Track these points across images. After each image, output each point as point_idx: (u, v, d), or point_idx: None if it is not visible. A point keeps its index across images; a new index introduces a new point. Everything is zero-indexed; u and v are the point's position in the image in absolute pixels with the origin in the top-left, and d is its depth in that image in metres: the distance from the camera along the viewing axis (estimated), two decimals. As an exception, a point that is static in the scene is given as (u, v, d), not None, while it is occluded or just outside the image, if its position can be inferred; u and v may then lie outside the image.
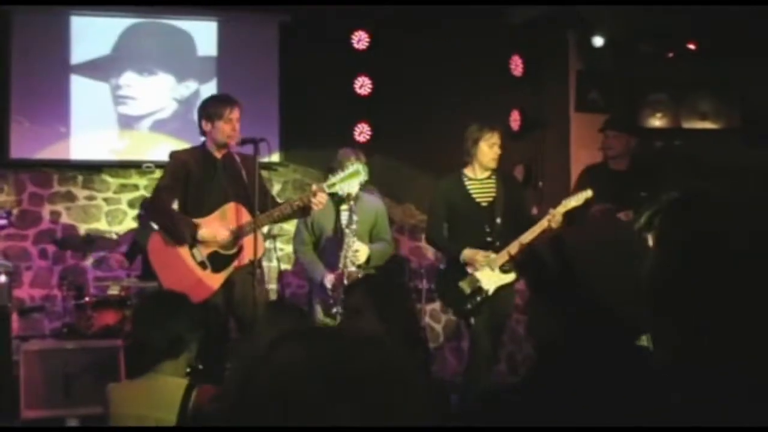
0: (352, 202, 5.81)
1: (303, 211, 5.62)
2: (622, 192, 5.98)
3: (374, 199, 6.45)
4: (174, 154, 5.85)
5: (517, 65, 7.87)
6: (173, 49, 8.80)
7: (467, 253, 6.06)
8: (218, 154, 5.71)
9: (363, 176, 5.58)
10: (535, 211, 7.32)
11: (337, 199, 5.97)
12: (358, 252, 5.91)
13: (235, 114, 5.61)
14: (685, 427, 1.46)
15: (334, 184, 5.55)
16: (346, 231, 5.86)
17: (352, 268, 5.84)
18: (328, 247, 6.06)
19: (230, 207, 5.61)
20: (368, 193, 6.38)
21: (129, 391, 3.52)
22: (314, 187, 5.58)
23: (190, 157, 5.75)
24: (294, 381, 1.19)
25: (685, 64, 7.10)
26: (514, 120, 7.92)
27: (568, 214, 6.04)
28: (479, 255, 6.04)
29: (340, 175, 5.56)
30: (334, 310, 5.80)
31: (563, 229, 6.24)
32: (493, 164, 6.16)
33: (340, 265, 5.86)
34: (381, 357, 1.24)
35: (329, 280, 5.91)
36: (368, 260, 6.00)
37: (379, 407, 1.19)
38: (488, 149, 6.11)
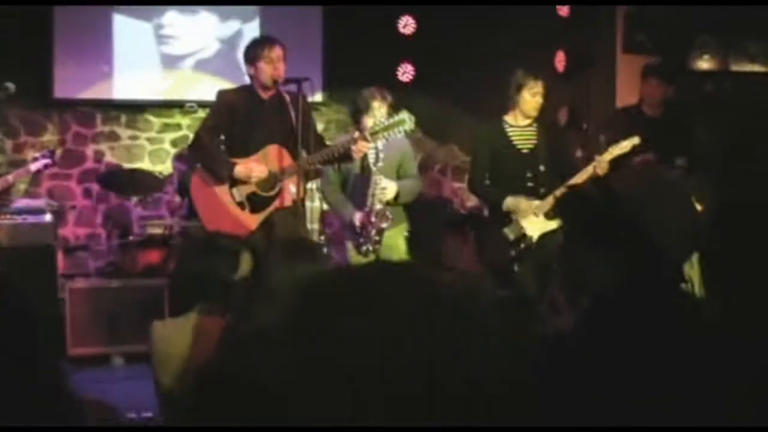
0: (379, 141, 5.65)
1: (344, 157, 5.61)
2: (657, 138, 6.01)
3: (400, 136, 6.25)
4: (221, 94, 5.90)
5: (563, 5, 7.86)
6: (216, -13, 8.76)
7: (510, 201, 6.03)
8: (265, 95, 5.71)
9: (409, 124, 5.43)
10: (579, 153, 7.30)
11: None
12: (385, 189, 5.87)
13: (276, 53, 5.59)
14: (685, 427, 1.44)
15: (377, 132, 5.46)
16: (373, 169, 5.79)
17: (380, 206, 5.82)
18: (357, 186, 6.02)
19: (272, 148, 5.64)
20: None
21: (172, 330, 3.52)
22: (356, 134, 5.54)
23: (236, 97, 5.78)
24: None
25: (735, 7, 7.00)
26: (560, 60, 7.92)
27: (613, 161, 6.00)
28: (522, 203, 6.01)
29: (384, 122, 5.48)
30: (365, 248, 5.82)
31: (608, 175, 6.30)
32: (534, 113, 6.12)
33: (368, 203, 5.84)
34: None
35: (357, 218, 5.88)
36: (397, 197, 5.97)
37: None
38: (530, 98, 6.06)
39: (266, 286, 3.01)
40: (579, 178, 5.88)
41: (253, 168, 5.57)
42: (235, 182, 5.62)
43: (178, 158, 8.19)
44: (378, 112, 5.80)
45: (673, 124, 6.33)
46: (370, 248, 5.80)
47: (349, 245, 6.02)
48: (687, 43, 7.40)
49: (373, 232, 5.81)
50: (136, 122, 8.71)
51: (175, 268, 6.52)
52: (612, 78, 7.63)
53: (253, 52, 5.67)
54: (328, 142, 6.01)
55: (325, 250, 6.36)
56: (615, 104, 7.60)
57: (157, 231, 7.61)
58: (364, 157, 5.79)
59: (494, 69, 6.61)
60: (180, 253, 6.63)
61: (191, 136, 7.03)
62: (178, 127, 8.77)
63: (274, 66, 5.57)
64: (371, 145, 5.51)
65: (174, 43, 8.66)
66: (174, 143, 8.73)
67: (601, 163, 5.84)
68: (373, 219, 5.79)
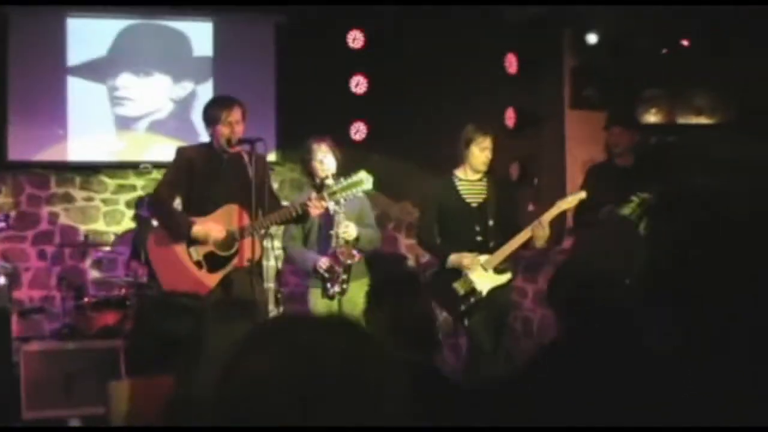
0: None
1: (301, 217, 5.59)
2: (632, 187, 5.99)
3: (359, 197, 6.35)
4: (180, 150, 5.82)
5: (512, 63, 7.74)
6: (169, 49, 8.77)
7: (453, 258, 6.01)
8: (225, 154, 5.65)
9: (367, 185, 5.48)
10: (531, 207, 7.35)
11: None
12: (348, 227, 5.92)
13: (234, 116, 5.53)
14: (685, 427, 1.49)
15: (335, 193, 5.47)
16: (336, 209, 5.80)
17: (343, 246, 5.87)
18: (320, 233, 6.07)
19: (231, 208, 5.55)
20: None
21: (129, 391, 3.41)
22: (313, 196, 5.52)
23: (196, 154, 5.70)
24: (264, 391, 1.20)
25: (680, 60, 7.02)
26: (510, 117, 7.83)
27: (578, 218, 6.17)
28: (465, 258, 5.98)
29: (342, 182, 5.48)
30: (332, 290, 5.87)
31: (575, 233, 6.54)
32: (483, 167, 6.12)
33: (333, 244, 5.90)
34: (353, 339, 1.24)
35: (323, 262, 5.93)
36: (357, 240, 6.00)
37: (359, 394, 1.19)
38: (479, 153, 6.07)
39: (208, 345, 3.18)
40: (521, 239, 5.90)
41: (211, 228, 5.49)
42: (192, 241, 5.53)
43: (140, 205, 8.18)
44: (325, 158, 5.93)
45: (646, 171, 6.27)
46: (338, 289, 5.84)
47: (312, 294, 6.04)
48: (635, 96, 7.27)
49: (341, 270, 5.85)
50: (91, 183, 8.63)
51: (132, 329, 5.91)
52: (561, 133, 7.54)
53: (212, 114, 5.60)
54: (284, 202, 5.99)
55: (275, 309, 6.51)
56: (564, 158, 7.52)
57: (113, 292, 7.48)
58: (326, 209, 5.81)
59: (446, 126, 6.62)
60: (137, 313, 6.23)
61: (145, 195, 7.05)
62: (133, 188, 8.68)
63: (232, 129, 5.51)
64: (326, 204, 5.50)
65: (128, 104, 8.63)
66: (129, 204, 8.63)
67: (542, 223, 5.86)
68: (339, 257, 5.84)
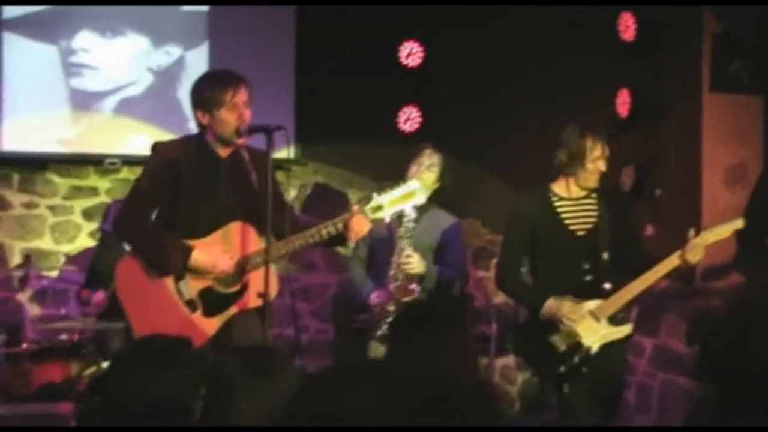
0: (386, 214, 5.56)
1: (336, 240, 5.38)
2: None
3: (446, 215, 6.47)
4: (159, 148, 5.47)
5: (627, 26, 7.44)
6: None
7: (551, 306, 5.70)
8: (222, 152, 5.34)
9: (419, 197, 5.36)
10: (650, 231, 7.35)
11: None
12: (411, 258, 6.00)
13: (241, 96, 5.27)
14: (688, 427, 2.06)
15: (380, 207, 5.30)
16: (400, 231, 5.98)
17: (401, 280, 5.98)
18: (377, 254, 6.27)
19: (235, 228, 5.31)
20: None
21: None
22: (354, 208, 5.39)
23: (182, 154, 5.38)
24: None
25: None
26: (623, 103, 7.54)
27: (744, 246, 6.17)
28: (565, 307, 5.67)
29: (390, 194, 5.34)
30: (379, 331, 5.97)
31: (740, 267, 6.62)
32: (594, 184, 5.83)
33: (390, 273, 6.00)
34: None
35: (373, 297, 6.11)
36: (423, 277, 6.08)
37: None
38: (590, 165, 5.79)
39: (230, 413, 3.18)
40: (656, 274, 5.61)
41: (219, 257, 5.25)
42: (183, 273, 5.27)
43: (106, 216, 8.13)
44: (431, 167, 6.19)
45: None
46: (387, 332, 5.83)
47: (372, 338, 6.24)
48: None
49: (392, 309, 5.93)
50: (34, 184, 8.45)
51: (88, 388, 6.38)
52: (696, 126, 7.19)
53: (210, 95, 5.28)
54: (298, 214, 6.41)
55: (297, 360, 6.74)
56: (700, 162, 7.22)
57: (61, 336, 7.20)
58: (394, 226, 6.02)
59: (532, 116, 6.65)
60: (113, 368, 6.80)
61: (113, 203, 7.25)
62: (94, 191, 8.51)
63: (239, 113, 5.25)
64: (368, 223, 5.38)
65: (88, 74, 8.42)
66: (87, 214, 8.47)
67: (693, 249, 5.51)
68: (393, 293, 5.99)
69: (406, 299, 5.96)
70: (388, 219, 5.51)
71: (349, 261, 6.59)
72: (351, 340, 6.61)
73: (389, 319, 5.93)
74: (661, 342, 7.45)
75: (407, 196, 5.37)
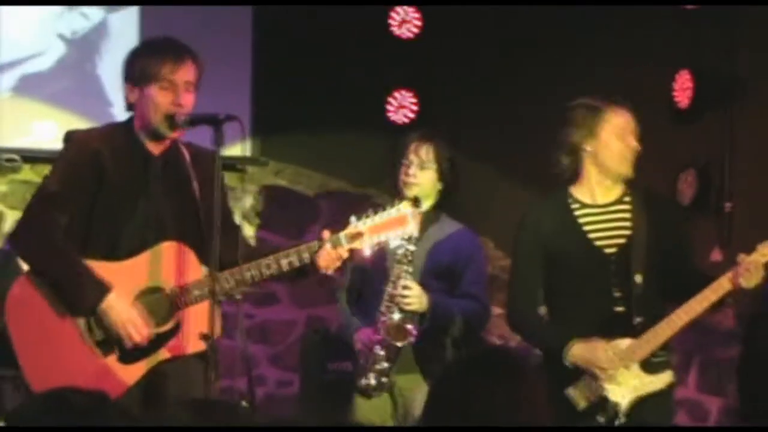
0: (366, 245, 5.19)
1: (300, 272, 5.08)
2: None
3: (459, 230, 6.04)
4: (75, 138, 5.14)
5: None
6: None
7: (580, 352, 5.24)
8: (154, 148, 5.03)
9: (410, 228, 5.10)
10: (716, 256, 6.84)
11: None
12: (408, 290, 5.59)
13: (183, 74, 4.94)
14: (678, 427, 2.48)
15: (359, 235, 5.01)
16: (398, 261, 5.58)
17: (396, 316, 5.60)
18: (368, 286, 5.96)
19: (168, 249, 5.01)
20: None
21: None
22: (325, 235, 5.04)
23: (104, 147, 5.06)
24: None
25: None
26: (682, 88, 6.96)
27: None
28: (600, 352, 5.20)
29: (372, 219, 5.04)
30: (364, 382, 5.69)
31: None
32: (625, 169, 5.27)
33: (381, 308, 5.63)
34: None
35: (359, 338, 5.79)
36: (425, 313, 5.68)
37: None
38: (617, 142, 5.21)
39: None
40: (705, 301, 5.10)
41: (134, 320, 4.90)
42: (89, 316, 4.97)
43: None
44: (424, 166, 5.77)
45: None
46: (372, 382, 5.65)
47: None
48: None
49: (381, 354, 5.63)
50: None
51: None
52: None
53: (141, 65, 4.97)
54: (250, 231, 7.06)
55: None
56: None
57: None
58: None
59: (558, 104, 5.76)
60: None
61: (10, 214, 7.39)
62: None
63: (177, 96, 4.91)
64: (343, 255, 5.08)
65: None
66: None
67: (750, 268, 4.99)
68: (382, 333, 5.63)
69: (399, 344, 5.57)
70: (368, 252, 5.13)
71: (338, 296, 6.09)
72: (322, 394, 6.56)
73: (379, 367, 5.64)
74: (730, 403, 6.80)
75: (394, 223, 5.04)
